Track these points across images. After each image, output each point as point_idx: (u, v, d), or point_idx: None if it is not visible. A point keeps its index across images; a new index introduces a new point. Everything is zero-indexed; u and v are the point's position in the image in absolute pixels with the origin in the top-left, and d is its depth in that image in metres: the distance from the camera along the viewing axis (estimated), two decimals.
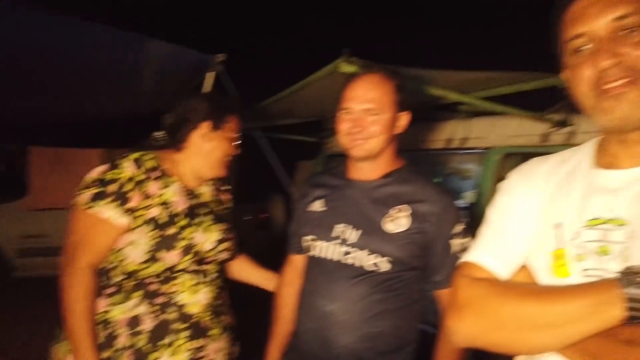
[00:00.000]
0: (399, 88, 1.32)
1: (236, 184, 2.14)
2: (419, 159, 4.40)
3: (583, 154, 0.88)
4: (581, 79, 0.80)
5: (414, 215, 1.28)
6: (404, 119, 1.35)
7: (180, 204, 1.38)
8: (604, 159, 0.85)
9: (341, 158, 1.46)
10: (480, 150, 2.92)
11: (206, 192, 1.51)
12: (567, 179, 0.87)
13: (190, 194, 1.43)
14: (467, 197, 3.72)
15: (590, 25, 0.79)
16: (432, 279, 1.32)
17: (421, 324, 1.36)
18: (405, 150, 1.47)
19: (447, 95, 2.40)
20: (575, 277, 0.79)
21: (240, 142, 1.54)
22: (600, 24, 0.78)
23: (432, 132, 3.36)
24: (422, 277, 1.32)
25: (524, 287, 0.83)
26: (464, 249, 1.20)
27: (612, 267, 0.75)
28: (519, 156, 2.58)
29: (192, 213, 1.39)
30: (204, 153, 1.44)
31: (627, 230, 0.76)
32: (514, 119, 2.66)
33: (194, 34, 6.64)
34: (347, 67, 1.98)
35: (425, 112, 3.39)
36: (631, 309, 0.66)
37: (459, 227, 1.30)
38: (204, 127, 1.44)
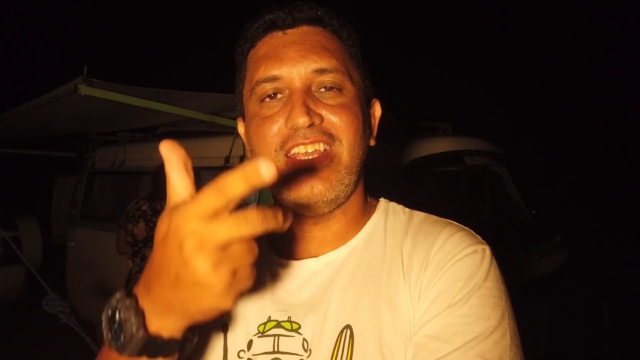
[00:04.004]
0: None
1: None
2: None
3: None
4: (268, 135, 0.67)
5: None
6: None
7: None
8: (281, 243, 0.71)
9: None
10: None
11: None
12: None
13: None
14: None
15: (288, 70, 0.67)
16: None
17: None
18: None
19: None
20: None
21: None
22: (300, 70, 0.67)
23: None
24: None
25: None
26: None
27: None
28: None
29: None
30: None
31: (303, 338, 0.65)
32: None
33: None
34: (86, 89, 1.97)
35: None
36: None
37: None
38: None
